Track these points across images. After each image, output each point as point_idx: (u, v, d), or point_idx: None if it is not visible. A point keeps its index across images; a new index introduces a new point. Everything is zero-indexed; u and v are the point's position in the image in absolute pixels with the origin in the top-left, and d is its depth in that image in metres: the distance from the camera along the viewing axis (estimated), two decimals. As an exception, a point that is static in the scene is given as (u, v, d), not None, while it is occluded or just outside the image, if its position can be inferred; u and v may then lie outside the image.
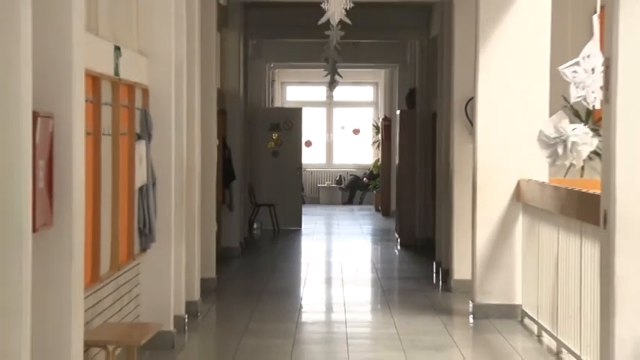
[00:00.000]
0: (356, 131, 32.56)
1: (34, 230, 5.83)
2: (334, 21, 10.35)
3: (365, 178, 30.74)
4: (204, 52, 13.19)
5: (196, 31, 12.16)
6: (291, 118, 24.45)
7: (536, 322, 11.03)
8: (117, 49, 8.90)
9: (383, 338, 11.27)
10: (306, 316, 12.80)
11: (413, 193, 19.91)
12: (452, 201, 14.38)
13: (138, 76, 9.83)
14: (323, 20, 10.43)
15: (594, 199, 7.90)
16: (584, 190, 9.22)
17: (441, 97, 16.09)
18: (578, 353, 9.19)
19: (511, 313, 12.00)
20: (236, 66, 18.45)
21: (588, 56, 9.93)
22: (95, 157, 8.33)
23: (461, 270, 13.81)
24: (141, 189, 9.76)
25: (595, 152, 10.29)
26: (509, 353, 10.43)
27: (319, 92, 29.11)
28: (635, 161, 6.51)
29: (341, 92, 27.99)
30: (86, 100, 7.44)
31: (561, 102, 11.17)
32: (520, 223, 12.02)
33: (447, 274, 14.63)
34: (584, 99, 10.12)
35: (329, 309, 13.80)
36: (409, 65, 23.50)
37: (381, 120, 29.41)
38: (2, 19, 5.46)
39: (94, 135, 8.24)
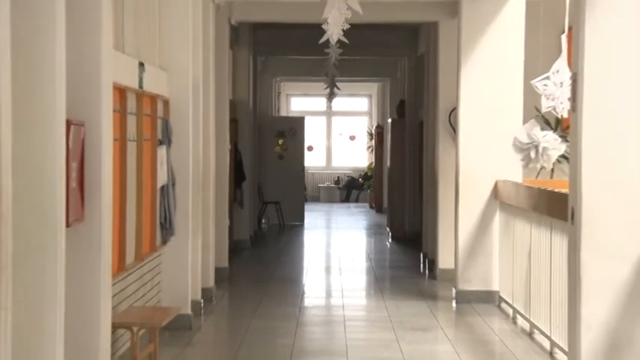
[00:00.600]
0: (352, 137, 32.17)
1: (67, 225, 5.85)
2: (333, 40, 10.28)
3: (360, 179, 30.26)
4: (218, 68, 13.01)
5: (211, 48, 12.09)
6: (294, 126, 24.24)
7: (512, 306, 10.98)
8: (141, 64, 8.85)
9: (376, 320, 11.19)
10: (308, 301, 12.75)
11: (402, 192, 19.68)
12: (437, 199, 14.23)
13: (159, 88, 9.76)
14: (323, 40, 10.36)
15: (563, 197, 7.87)
16: (553, 190, 9.21)
17: (427, 107, 16.00)
18: (549, 334, 9.16)
19: (489, 298, 11.96)
20: (246, 80, 18.21)
21: (557, 71, 9.86)
22: (121, 161, 8.27)
23: (445, 260, 13.68)
24: (162, 188, 9.70)
25: (563, 156, 10.30)
26: (487, 334, 10.32)
27: (320, 103, 28.82)
28: (599, 164, 6.42)
29: (339, 103, 27.60)
30: (114, 110, 7.34)
31: (533, 112, 11.18)
32: (497, 219, 11.96)
33: (432, 263, 14.52)
34: (554, 109, 10.06)
35: (328, 294, 13.69)
36: (399, 79, 23.31)
37: (374, 127, 29.08)
38: (39, 39, 5.49)
39: (120, 141, 8.19)
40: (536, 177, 11.27)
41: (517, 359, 9.14)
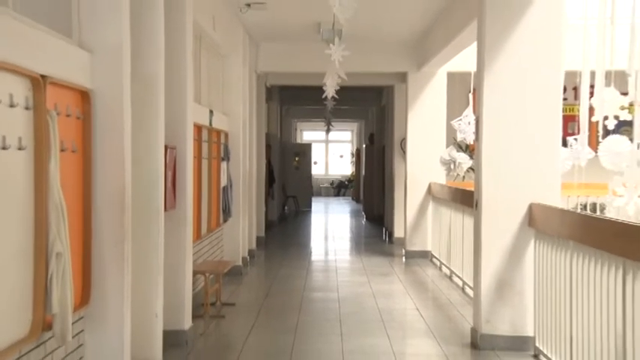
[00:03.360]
0: (341, 156, 32.18)
1: (165, 210, 5.82)
2: (329, 96, 10.36)
3: (346, 182, 30.22)
4: (258, 113, 13.00)
5: (254, 101, 12.08)
6: (305, 149, 24.12)
7: (439, 260, 11.01)
8: (211, 111, 8.85)
9: (355, 269, 11.18)
10: (313, 257, 12.76)
11: (372, 190, 19.52)
12: (393, 194, 14.13)
13: (222, 126, 9.74)
14: (323, 96, 10.46)
15: (470, 193, 7.88)
16: (464, 189, 9.32)
17: (387, 138, 15.97)
18: (462, 276, 9.24)
19: (425, 255, 11.93)
20: (275, 120, 18.11)
21: (466, 116, 9.96)
22: (198, 171, 8.23)
23: (398, 232, 13.55)
24: (224, 188, 9.66)
25: (470, 168, 10.20)
26: (423, 276, 10.35)
27: (321, 135, 28.91)
28: (491, 173, 6.42)
29: (332, 135, 27.58)
30: (194, 139, 7.35)
31: (452, 140, 11.20)
32: (430, 207, 11.92)
33: (390, 234, 14.46)
34: (464, 139, 10.18)
35: (325, 253, 13.62)
36: (370, 120, 23.15)
37: (355, 150, 28.92)
38: (149, 95, 5.52)
39: (198, 158, 8.12)
40: (454, 180, 11.21)
41: (442, 292, 9.17)
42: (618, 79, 6.06)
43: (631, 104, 5.80)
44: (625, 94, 5.99)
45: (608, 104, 5.87)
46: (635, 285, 4.16)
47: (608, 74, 5.98)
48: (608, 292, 4.56)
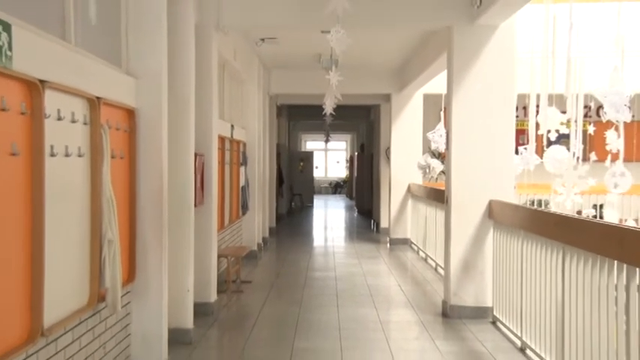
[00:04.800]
0: (338, 162, 32.27)
1: (195, 206, 5.77)
2: (328, 113, 10.39)
3: (342, 182, 30.29)
4: (270, 127, 12.93)
5: (267, 117, 11.98)
6: (308, 156, 23.84)
7: (417, 246, 10.95)
8: (232, 126, 8.81)
9: (349, 253, 11.12)
10: (315, 244, 12.67)
11: (362, 189, 19.32)
12: (379, 192, 14.00)
13: (241, 137, 9.68)
14: (323, 113, 10.38)
15: (442, 192, 7.85)
16: (438, 188, 9.20)
17: (374, 146, 15.82)
18: (434, 259, 9.19)
19: (405, 242, 11.88)
20: (284, 133, 18.01)
21: (439, 129, 9.92)
22: (222, 174, 8.20)
23: (383, 223, 13.46)
24: (242, 187, 9.60)
25: (442, 171, 10.19)
26: (404, 259, 10.27)
27: (321, 144, 28.82)
28: (459, 175, 6.35)
29: (330, 144, 27.55)
30: (218, 148, 7.28)
31: (427, 149, 11.16)
32: (410, 203, 11.84)
33: (377, 225, 14.30)
34: (437, 148, 10.17)
35: (325, 240, 13.47)
36: (360, 133, 22.92)
37: (349, 156, 28.68)
38: (183, 112, 5.48)
39: (221, 164, 8.08)
40: (429, 181, 11.10)
41: (418, 271, 9.14)
42: (558, 101, 6.11)
43: (568, 121, 5.86)
44: (564, 112, 6.06)
45: (550, 120, 5.90)
46: (571, 265, 4.18)
47: (550, 97, 6.02)
48: (550, 270, 4.59)
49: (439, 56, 8.03)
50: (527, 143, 6.69)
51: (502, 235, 5.94)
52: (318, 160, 30.15)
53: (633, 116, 5.48)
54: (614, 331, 3.52)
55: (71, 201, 3.51)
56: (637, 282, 3.27)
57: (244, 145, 10.10)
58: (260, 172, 11.17)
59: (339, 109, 11.26)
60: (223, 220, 8.42)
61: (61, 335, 3.35)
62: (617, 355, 3.51)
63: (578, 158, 5.69)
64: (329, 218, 19.08)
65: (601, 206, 6.41)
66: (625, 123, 5.36)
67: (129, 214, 4.42)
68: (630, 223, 6.27)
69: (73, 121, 3.48)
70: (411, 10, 6.44)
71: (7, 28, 2.70)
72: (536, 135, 6.44)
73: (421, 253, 10.56)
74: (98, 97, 3.75)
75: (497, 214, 6.10)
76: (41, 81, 3.02)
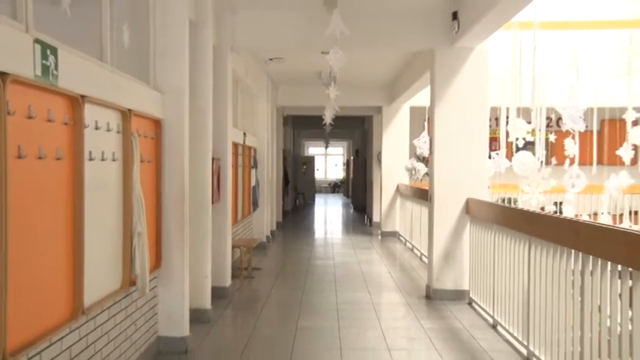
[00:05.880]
0: (336, 165, 32.23)
1: (212, 203, 5.72)
2: (327, 123, 10.39)
3: (339, 183, 30.14)
4: (277, 135, 12.89)
5: (274, 126, 11.88)
6: (310, 160, 23.82)
7: (404, 238, 10.90)
8: (244, 134, 8.79)
9: (345, 244, 11.06)
10: (316, 236, 12.57)
11: (357, 188, 19.28)
12: (372, 191, 14.01)
13: (252, 143, 9.64)
14: (323, 123, 10.36)
15: (426, 191, 7.88)
16: (422, 188, 9.14)
17: (368, 152, 15.77)
18: (419, 249, 9.14)
19: (394, 234, 11.86)
20: (290, 140, 17.94)
21: (424, 136, 9.92)
22: (235, 175, 8.18)
23: (375, 218, 13.44)
24: (253, 187, 9.59)
25: (426, 173, 10.22)
26: (393, 249, 10.22)
27: (321, 149, 28.73)
28: (441, 177, 6.35)
29: (330, 150, 27.51)
30: (232, 153, 7.26)
31: (413, 154, 11.03)
32: (398, 201, 11.79)
33: (370, 219, 14.29)
34: (422, 153, 10.13)
35: (325, 233, 13.36)
36: (356, 140, 22.55)
37: (345, 160, 28.72)
38: (201, 122, 5.43)
39: (235, 167, 8.08)
40: (415, 182, 11.12)
41: (406, 260, 9.11)
42: (524, 113, 6.18)
43: (533, 130, 5.92)
44: (529, 122, 6.13)
45: (518, 130, 5.97)
46: (536, 253, 4.20)
47: (518, 109, 6.09)
48: (518, 259, 4.62)
49: (423, 74, 8.05)
50: (499, 149, 6.78)
51: (477, 228, 5.95)
52: (318, 164, 30.10)
53: (587, 126, 5.59)
54: (571, 309, 3.56)
55: (106, 199, 3.52)
56: (590, 267, 3.32)
57: (255, 150, 10.07)
58: (268, 174, 11.13)
59: (337, 119, 11.31)
60: (237, 215, 8.38)
61: (99, 314, 3.37)
62: (572, 329, 3.55)
63: (541, 162, 5.78)
64: (328, 214, 19.01)
65: (560, 203, 6.46)
66: (580, 132, 5.44)
67: (155, 210, 4.40)
68: (584, 218, 6.32)
69: (108, 130, 3.50)
70: (399, 34, 6.46)
71: (54, 51, 2.74)
72: (507, 142, 6.51)
73: (408, 244, 10.53)
74: (129, 110, 3.76)
75: (473, 210, 6.11)
76: (82, 96, 3.04)
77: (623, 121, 6.56)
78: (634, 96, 6.04)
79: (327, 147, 23.88)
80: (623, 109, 6.44)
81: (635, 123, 6.29)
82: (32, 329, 2.63)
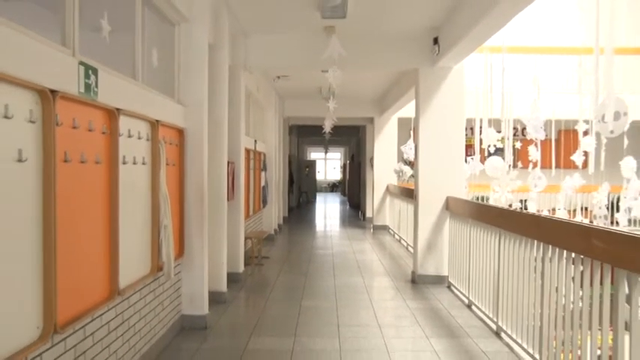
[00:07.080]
0: (334, 168, 32.12)
1: (228, 200, 5.67)
2: (327, 131, 10.38)
3: (337, 183, 30.08)
4: (284, 142, 12.88)
5: (281, 134, 11.83)
6: (312, 163, 23.52)
7: (394, 231, 10.81)
8: (255, 141, 8.76)
9: (342, 236, 10.98)
10: (317, 229, 12.45)
11: (353, 188, 19.07)
12: (365, 191, 13.96)
13: (262, 149, 9.60)
14: (323, 131, 10.39)
15: (411, 190, 7.92)
16: (409, 187, 9.10)
17: (362, 156, 15.72)
18: (406, 240, 9.11)
19: (385, 228, 11.80)
20: (295, 146, 17.85)
21: (409, 143, 9.95)
22: (247, 177, 8.14)
23: (368, 213, 13.37)
24: (263, 187, 9.55)
25: (412, 175, 10.24)
26: (383, 241, 10.14)
27: (322, 154, 28.62)
28: (424, 178, 6.32)
29: (329, 155, 27.45)
30: (245, 158, 7.25)
31: (401, 158, 11.13)
32: (388, 199, 11.75)
33: (364, 215, 14.26)
34: (408, 157, 10.18)
35: (325, 227, 13.17)
36: (351, 146, 22.54)
37: (342, 164, 28.52)
38: (218, 131, 5.33)
39: (247, 169, 8.04)
40: (402, 182, 11.10)
41: (394, 249, 9.06)
42: (495, 123, 6.24)
43: (502, 138, 5.98)
44: (499, 132, 6.19)
45: (490, 138, 6.02)
46: (505, 244, 4.23)
47: (489, 121, 6.15)
48: (490, 249, 4.64)
49: (409, 90, 8.05)
50: (474, 154, 6.82)
51: (456, 222, 5.96)
52: (319, 167, 30.02)
53: (547, 135, 5.66)
54: (533, 290, 3.60)
55: (137, 196, 3.53)
56: (549, 255, 3.37)
57: (264, 155, 10.04)
58: (276, 176, 11.09)
59: (335, 128, 11.35)
60: (249, 211, 8.36)
61: (132, 294, 3.40)
62: (534, 307, 3.59)
63: (509, 166, 5.84)
64: (328, 210, 18.90)
65: (525, 201, 6.51)
66: (541, 140, 5.50)
67: (179, 206, 4.38)
68: (545, 213, 6.38)
69: (139, 138, 3.51)
70: (388, 56, 6.47)
71: (94, 71, 2.80)
72: (480, 148, 6.57)
73: (396, 236, 10.50)
74: (157, 120, 3.77)
75: (452, 207, 6.11)
76: (117, 109, 3.07)
77: (575, 132, 6.64)
78: (584, 110, 6.11)
79: (326, 152, 23.82)
80: (576, 121, 6.55)
81: (585, 133, 6.39)
82: (78, 307, 2.70)
